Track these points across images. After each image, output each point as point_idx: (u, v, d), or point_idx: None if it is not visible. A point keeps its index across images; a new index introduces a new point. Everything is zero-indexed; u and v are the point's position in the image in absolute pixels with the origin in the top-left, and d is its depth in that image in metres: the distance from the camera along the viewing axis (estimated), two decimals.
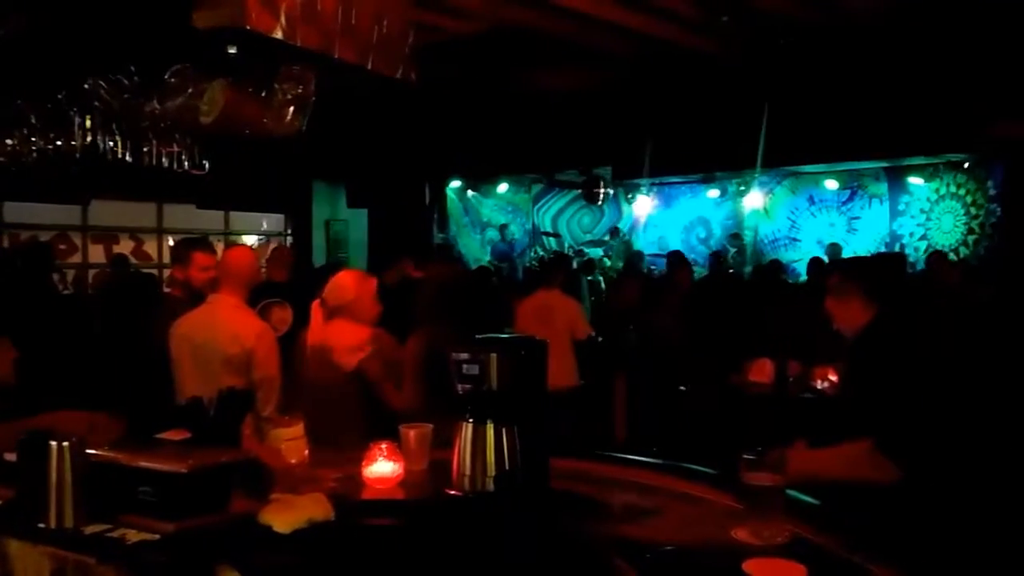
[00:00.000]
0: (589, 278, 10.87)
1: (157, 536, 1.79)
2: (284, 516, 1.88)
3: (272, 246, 10.77)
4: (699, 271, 13.21)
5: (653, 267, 11.78)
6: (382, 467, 2.25)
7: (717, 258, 11.00)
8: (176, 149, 4.81)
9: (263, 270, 5.35)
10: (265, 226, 12.30)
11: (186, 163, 4.83)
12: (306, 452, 2.42)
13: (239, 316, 3.40)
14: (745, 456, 1.77)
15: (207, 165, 4.98)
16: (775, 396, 4.53)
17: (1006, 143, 9.11)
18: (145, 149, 4.75)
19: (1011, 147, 9.26)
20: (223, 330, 3.35)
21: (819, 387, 4.48)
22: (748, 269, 11.28)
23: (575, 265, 12.43)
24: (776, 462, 1.76)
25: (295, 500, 1.96)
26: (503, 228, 13.78)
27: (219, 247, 4.53)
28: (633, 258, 11.98)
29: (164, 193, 10.18)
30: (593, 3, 6.95)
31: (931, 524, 1.99)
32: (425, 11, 5.90)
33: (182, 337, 3.43)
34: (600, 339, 5.77)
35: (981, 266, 10.22)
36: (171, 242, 10.23)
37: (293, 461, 2.37)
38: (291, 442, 2.41)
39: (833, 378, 4.39)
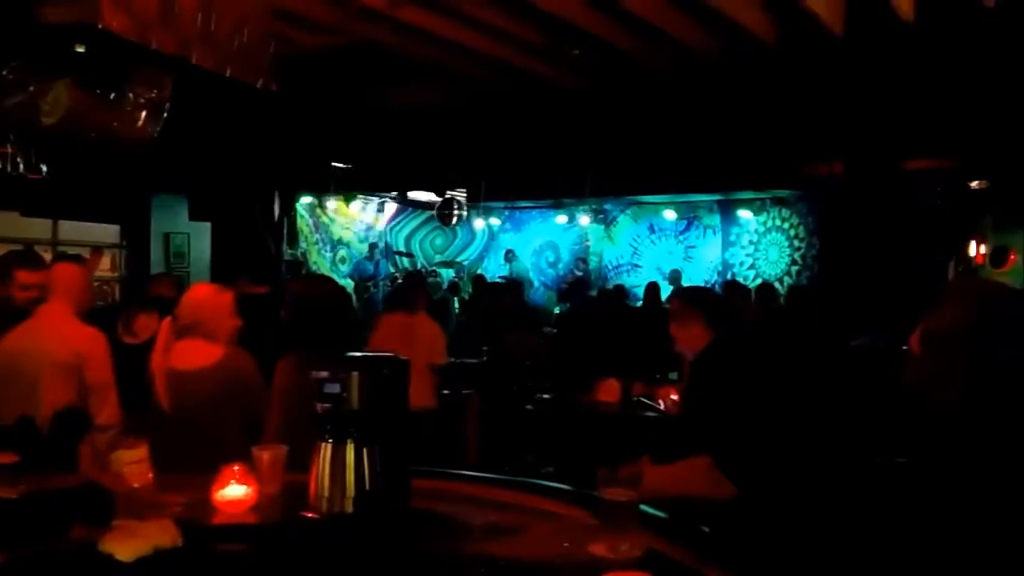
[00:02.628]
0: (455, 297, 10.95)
1: None
2: (127, 544, 1.77)
3: (105, 257, 10.13)
4: (546, 293, 13.63)
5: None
6: (233, 491, 2.17)
7: (581, 285, 11.42)
8: (10, 151, 4.45)
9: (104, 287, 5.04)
10: (98, 237, 11.52)
11: (21, 166, 4.48)
12: (150, 476, 2.30)
13: (68, 323, 3.23)
14: (602, 472, 1.84)
15: (44, 169, 4.63)
16: (621, 414, 4.72)
17: (819, 181, 9.98)
18: None
19: (824, 185, 10.15)
20: (51, 337, 3.17)
21: (662, 406, 4.71)
22: (592, 293, 11.70)
23: (444, 287, 12.47)
24: (630, 478, 1.85)
25: (139, 527, 1.86)
26: (372, 247, 13.60)
27: (47, 257, 4.18)
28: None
29: None
30: (449, 26, 7.05)
31: (769, 533, 2.14)
32: (283, 24, 5.79)
33: (6, 352, 3.18)
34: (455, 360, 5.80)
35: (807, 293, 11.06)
36: None
37: (136, 485, 2.24)
38: (134, 465, 2.28)
39: (675, 397, 4.63)
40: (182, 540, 1.84)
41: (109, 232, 11.61)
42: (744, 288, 8.77)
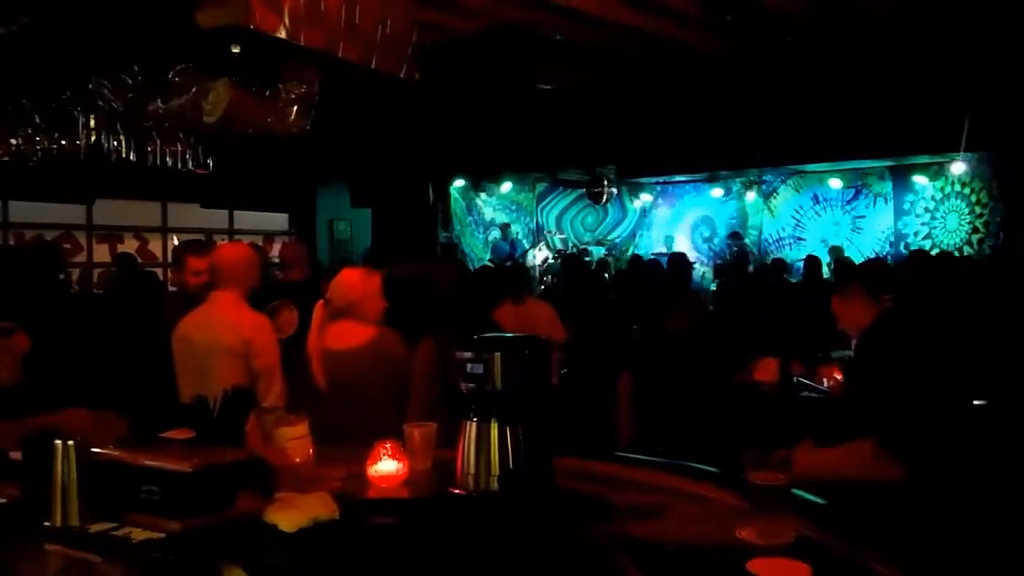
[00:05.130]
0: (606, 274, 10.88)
1: (162, 535, 1.79)
2: (289, 515, 1.88)
3: (278, 244, 10.78)
4: (702, 270, 13.24)
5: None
6: (387, 466, 2.25)
7: (738, 261, 11.04)
8: (180, 148, 4.81)
9: (277, 272, 5.33)
10: (269, 225, 12.31)
11: (190, 162, 4.84)
12: (311, 451, 2.42)
13: (236, 309, 3.42)
14: (750, 455, 1.77)
15: (211, 164, 4.98)
16: (780, 395, 4.53)
17: (1007, 143, 9.11)
18: (149, 148, 4.75)
19: (1012, 146, 9.26)
20: (220, 323, 3.37)
21: (824, 386, 4.48)
22: (751, 268, 11.28)
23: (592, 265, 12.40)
24: (781, 461, 1.76)
25: (300, 499, 1.96)
26: (505, 227, 13.75)
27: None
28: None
29: (168, 192, 10.20)
30: (596, 3, 6.95)
31: (933, 522, 1.99)
32: (428, 9, 5.90)
33: (183, 337, 3.44)
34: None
35: (985, 264, 10.21)
36: (175, 241, 10.25)
37: (298, 460, 2.38)
38: (296, 441, 2.41)
39: (838, 377, 4.40)
40: (339, 512, 1.92)
41: (278, 220, 12.38)
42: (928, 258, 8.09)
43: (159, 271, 9.84)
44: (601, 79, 9.27)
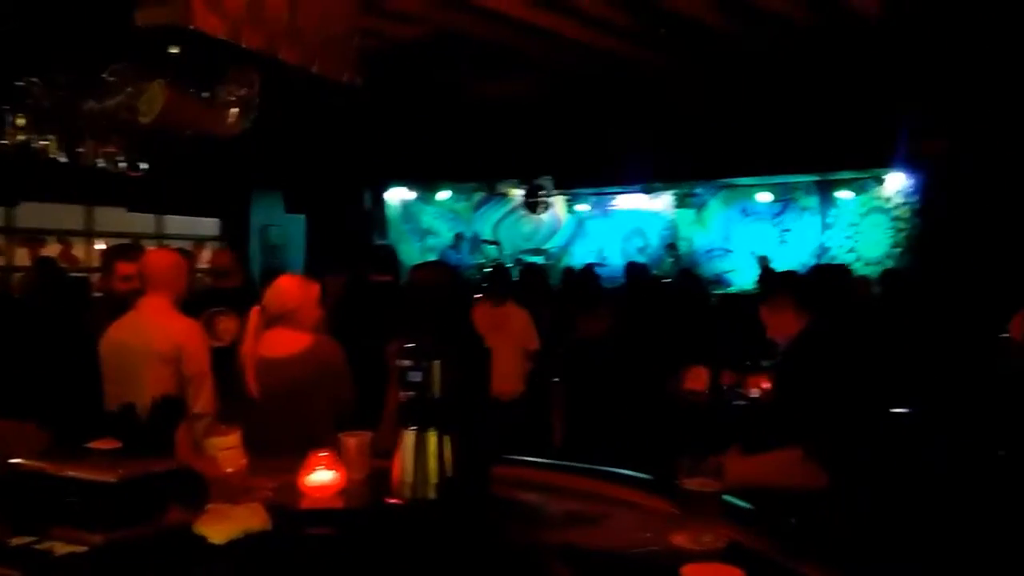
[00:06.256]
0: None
1: (86, 548, 1.74)
2: (219, 527, 1.84)
3: (208, 250, 10.54)
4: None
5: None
6: (321, 476, 2.23)
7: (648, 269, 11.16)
8: (113, 150, 4.66)
9: (206, 278, 5.22)
10: (199, 230, 12.02)
11: (123, 164, 4.69)
12: (243, 461, 2.38)
13: (167, 315, 3.37)
14: (685, 462, 1.80)
15: (144, 166, 4.84)
16: (710, 403, 4.62)
17: (926, 158, 9.50)
18: (80, 149, 4.59)
19: (929, 163, 9.66)
20: (151, 328, 3.31)
21: (753, 395, 4.59)
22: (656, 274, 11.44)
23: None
24: (714, 468, 1.80)
25: (231, 510, 1.92)
26: (458, 237, 13.73)
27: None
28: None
29: (94, 195, 9.88)
30: (531, 11, 7.01)
31: (860, 527, 2.06)
32: (370, 16, 5.88)
33: (112, 343, 3.36)
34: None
35: (906, 278, 10.59)
36: (101, 245, 9.94)
37: (229, 470, 2.33)
38: (227, 451, 2.36)
39: (766, 386, 4.50)
40: (271, 523, 1.89)
41: (209, 225, 12.11)
42: (842, 271, 8.38)
43: (84, 276, 9.52)
44: (540, 89, 9.35)
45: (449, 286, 3.32)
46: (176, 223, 11.65)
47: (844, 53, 8.08)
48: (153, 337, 3.28)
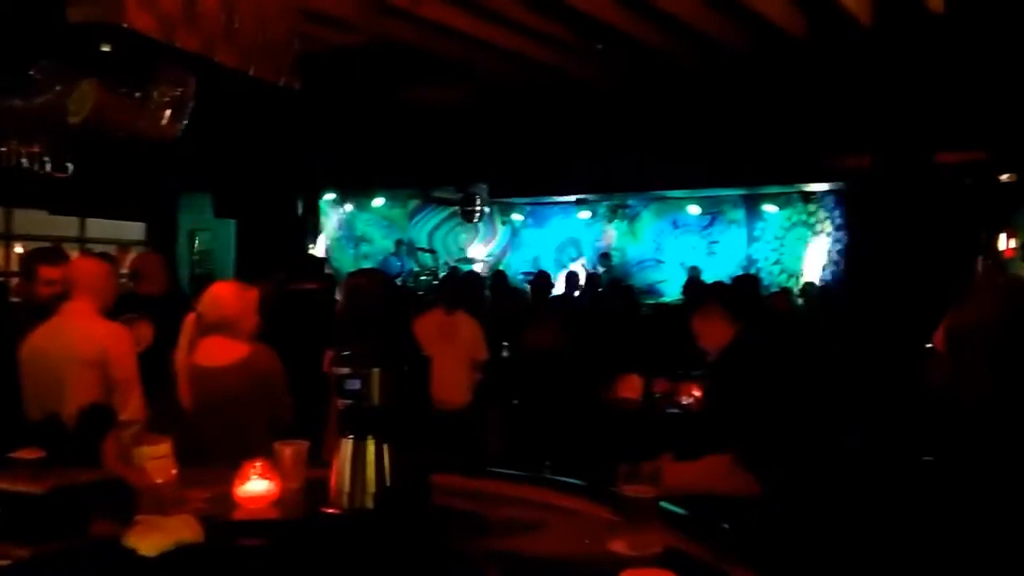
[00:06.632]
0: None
1: (10, 562, 1.67)
2: (150, 539, 1.79)
3: (132, 255, 10.23)
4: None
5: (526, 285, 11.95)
6: (255, 486, 2.19)
7: (590, 279, 11.29)
8: (37, 150, 4.49)
9: (130, 283, 5.08)
10: (124, 234, 11.66)
11: (48, 165, 4.52)
12: (174, 471, 2.32)
13: (91, 320, 3.28)
14: (623, 469, 1.83)
15: (71, 168, 4.67)
16: (643, 411, 4.70)
17: (846, 175, 9.87)
18: (3, 148, 4.40)
19: (851, 178, 10.03)
20: (75, 333, 3.22)
21: (684, 402, 4.68)
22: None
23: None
24: (652, 474, 1.83)
25: (162, 522, 1.87)
26: (399, 243, 13.63)
27: (74, 255, 4.23)
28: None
29: (13, 197, 9.50)
30: (472, 23, 7.04)
31: (791, 531, 2.12)
32: (307, 21, 5.81)
33: (34, 349, 3.24)
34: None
35: (828, 291, 10.97)
36: (19, 249, 9.56)
37: (159, 481, 2.26)
38: (157, 461, 2.30)
39: (697, 394, 4.60)
40: (204, 535, 1.85)
41: (135, 229, 11.76)
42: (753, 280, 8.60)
43: (1, 280, 9.14)
44: (477, 98, 9.38)
45: (384, 293, 3.32)
46: (100, 227, 11.28)
47: (770, 72, 8.34)
48: (76, 342, 3.18)
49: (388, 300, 3.33)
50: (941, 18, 6.35)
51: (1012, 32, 6.80)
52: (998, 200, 9.52)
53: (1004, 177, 9.03)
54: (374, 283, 3.42)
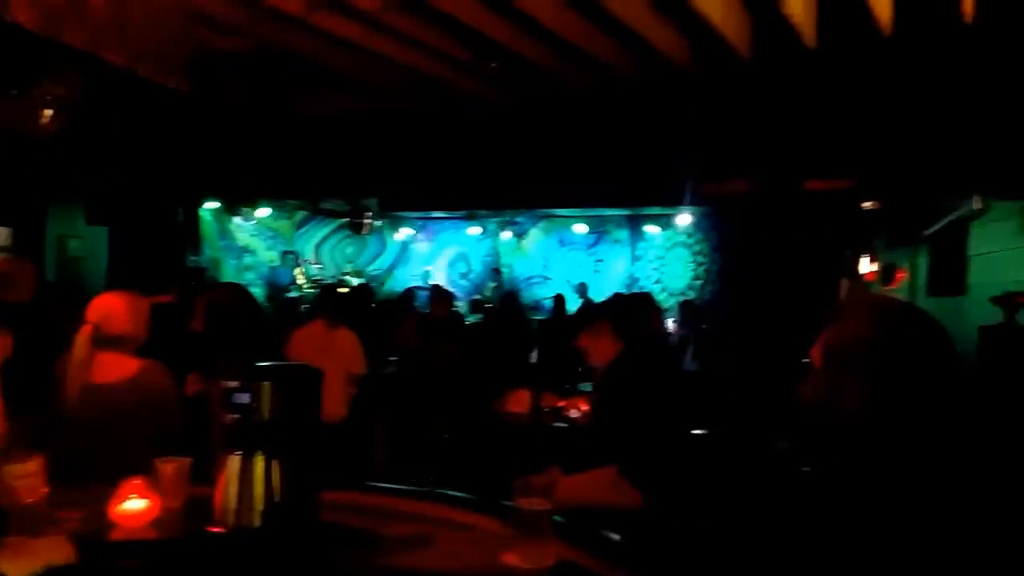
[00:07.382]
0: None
1: None
2: (17, 563, 1.70)
3: None
4: (460, 304, 13.58)
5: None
6: (133, 505, 2.10)
7: (510, 297, 11.40)
8: None
9: None
10: None
11: None
12: (44, 490, 2.18)
13: None
14: (517, 482, 1.85)
15: None
16: (532, 425, 4.75)
17: (722, 198, 10.35)
18: None
19: (726, 202, 10.52)
20: None
21: (572, 416, 4.77)
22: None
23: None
24: (545, 487, 1.86)
25: (31, 544, 1.78)
26: (286, 255, 13.29)
27: None
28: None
29: None
30: (365, 35, 6.99)
31: (676, 543, 2.20)
32: (193, 24, 5.63)
33: None
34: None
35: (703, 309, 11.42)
36: None
37: (29, 501, 2.13)
38: (25, 479, 2.16)
39: (584, 408, 4.70)
40: (77, 557, 1.76)
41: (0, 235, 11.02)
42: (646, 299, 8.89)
43: None
44: (369, 111, 9.30)
45: (244, 308, 3.24)
46: None
47: (655, 99, 8.65)
48: None
49: (249, 316, 3.25)
50: (813, 52, 6.75)
51: (876, 68, 7.31)
52: (861, 226, 10.17)
53: (866, 205, 9.65)
54: (236, 299, 3.34)
